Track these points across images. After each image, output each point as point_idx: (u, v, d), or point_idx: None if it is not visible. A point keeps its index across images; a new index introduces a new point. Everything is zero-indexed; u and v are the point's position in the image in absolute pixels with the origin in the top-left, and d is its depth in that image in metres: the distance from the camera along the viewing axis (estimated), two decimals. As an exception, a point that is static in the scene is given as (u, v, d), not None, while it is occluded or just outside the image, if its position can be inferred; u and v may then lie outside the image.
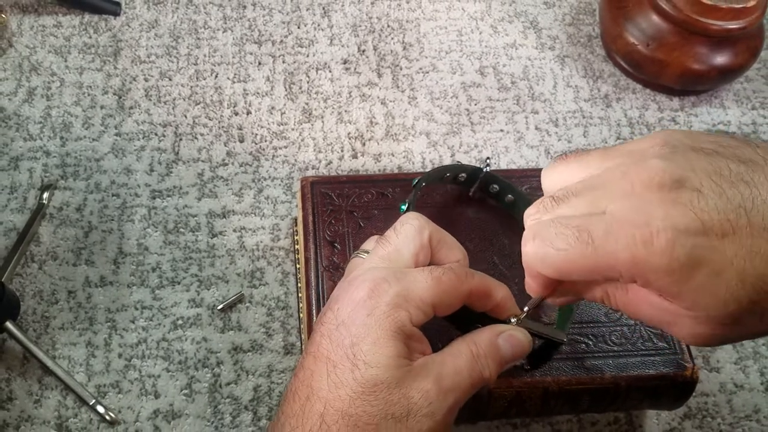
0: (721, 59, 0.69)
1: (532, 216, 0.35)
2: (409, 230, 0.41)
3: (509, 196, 0.53)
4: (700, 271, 0.30)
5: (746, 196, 0.30)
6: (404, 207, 0.47)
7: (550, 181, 0.37)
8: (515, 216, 0.53)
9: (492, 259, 0.51)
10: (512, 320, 0.41)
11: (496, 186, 0.53)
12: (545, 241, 0.33)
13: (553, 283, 0.36)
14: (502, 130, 0.69)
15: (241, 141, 0.66)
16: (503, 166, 0.67)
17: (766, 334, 0.33)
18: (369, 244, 0.44)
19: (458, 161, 0.51)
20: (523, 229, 0.36)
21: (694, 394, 0.49)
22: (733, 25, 0.67)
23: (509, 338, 0.40)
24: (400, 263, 0.40)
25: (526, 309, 0.41)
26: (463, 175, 0.52)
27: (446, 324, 0.42)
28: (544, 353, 0.45)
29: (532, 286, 0.37)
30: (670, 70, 0.70)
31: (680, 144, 0.32)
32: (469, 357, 0.38)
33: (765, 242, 0.30)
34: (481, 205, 0.54)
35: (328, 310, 0.39)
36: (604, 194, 0.32)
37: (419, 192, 0.49)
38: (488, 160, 0.52)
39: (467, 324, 0.41)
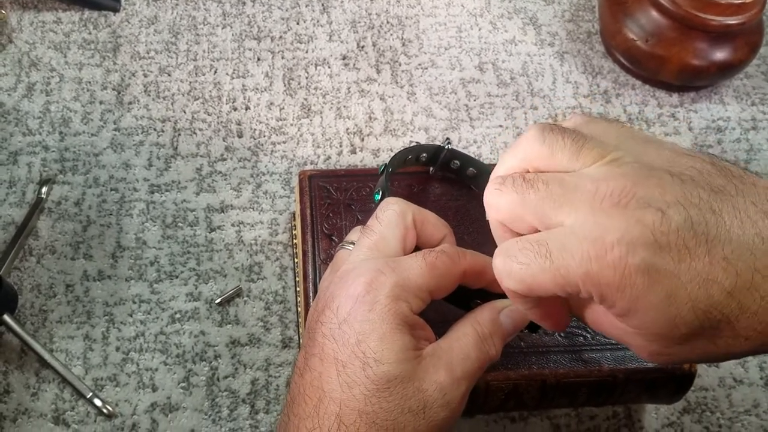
0: (720, 55, 0.69)
1: (496, 186, 0.35)
2: (392, 216, 0.40)
3: (470, 169, 0.53)
4: (652, 290, 0.29)
5: (711, 224, 0.29)
6: (378, 196, 0.47)
7: (533, 147, 0.34)
8: (478, 188, 0.53)
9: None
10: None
11: (457, 162, 0.53)
12: (510, 257, 0.33)
13: (527, 298, 0.35)
14: (501, 126, 0.69)
15: (240, 136, 0.66)
16: (502, 162, 0.67)
17: (725, 358, 0.32)
18: (354, 234, 0.44)
19: (417, 142, 0.51)
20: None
21: (693, 388, 0.49)
22: (732, 20, 0.67)
23: (511, 313, 0.40)
24: (387, 251, 0.39)
25: None
26: (425, 155, 0.53)
27: (444, 304, 0.42)
28: None
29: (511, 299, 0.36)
30: (670, 66, 0.69)
31: (659, 166, 0.32)
32: (475, 339, 0.38)
33: (722, 272, 0.29)
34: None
35: (326, 309, 0.38)
36: (570, 199, 0.32)
37: (388, 175, 0.49)
38: (448, 139, 0.53)
39: (466, 301, 0.41)
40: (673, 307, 0.29)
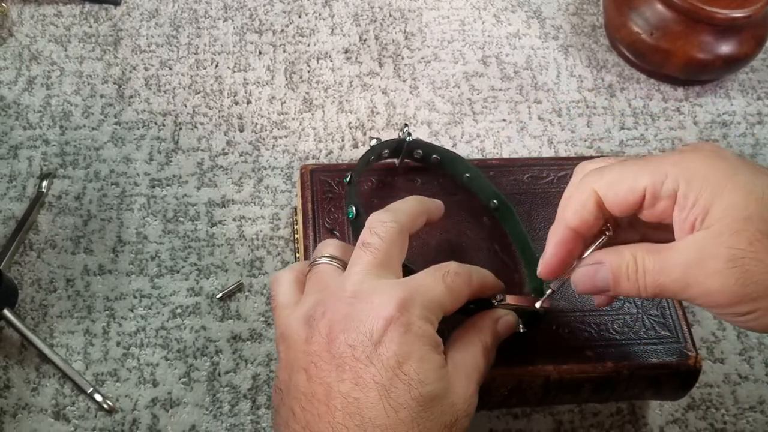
0: (725, 48, 0.68)
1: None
2: (393, 232, 0.40)
3: (434, 156, 0.53)
4: (741, 168, 0.35)
5: None
6: (352, 212, 0.46)
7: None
8: (447, 174, 0.54)
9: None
10: (494, 301, 0.42)
11: (420, 151, 0.53)
12: (604, 166, 0.38)
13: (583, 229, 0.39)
14: (504, 120, 0.69)
15: (241, 130, 0.65)
16: (505, 156, 0.66)
17: None
18: (327, 248, 0.42)
19: (378, 139, 0.51)
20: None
21: (697, 385, 0.49)
22: (738, 13, 0.66)
23: (505, 322, 0.43)
24: (392, 268, 0.40)
25: (549, 291, 0.43)
26: (387, 151, 0.53)
27: None
28: (533, 317, 0.45)
29: (563, 236, 0.39)
30: (675, 60, 0.69)
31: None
32: (481, 350, 0.40)
33: None
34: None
35: (351, 330, 0.37)
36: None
37: (356, 186, 0.49)
38: (406, 128, 0.53)
39: (463, 307, 0.41)
40: (759, 185, 0.33)
